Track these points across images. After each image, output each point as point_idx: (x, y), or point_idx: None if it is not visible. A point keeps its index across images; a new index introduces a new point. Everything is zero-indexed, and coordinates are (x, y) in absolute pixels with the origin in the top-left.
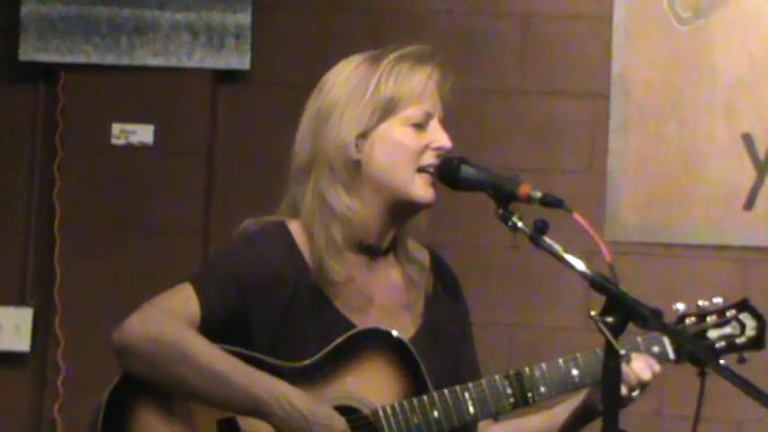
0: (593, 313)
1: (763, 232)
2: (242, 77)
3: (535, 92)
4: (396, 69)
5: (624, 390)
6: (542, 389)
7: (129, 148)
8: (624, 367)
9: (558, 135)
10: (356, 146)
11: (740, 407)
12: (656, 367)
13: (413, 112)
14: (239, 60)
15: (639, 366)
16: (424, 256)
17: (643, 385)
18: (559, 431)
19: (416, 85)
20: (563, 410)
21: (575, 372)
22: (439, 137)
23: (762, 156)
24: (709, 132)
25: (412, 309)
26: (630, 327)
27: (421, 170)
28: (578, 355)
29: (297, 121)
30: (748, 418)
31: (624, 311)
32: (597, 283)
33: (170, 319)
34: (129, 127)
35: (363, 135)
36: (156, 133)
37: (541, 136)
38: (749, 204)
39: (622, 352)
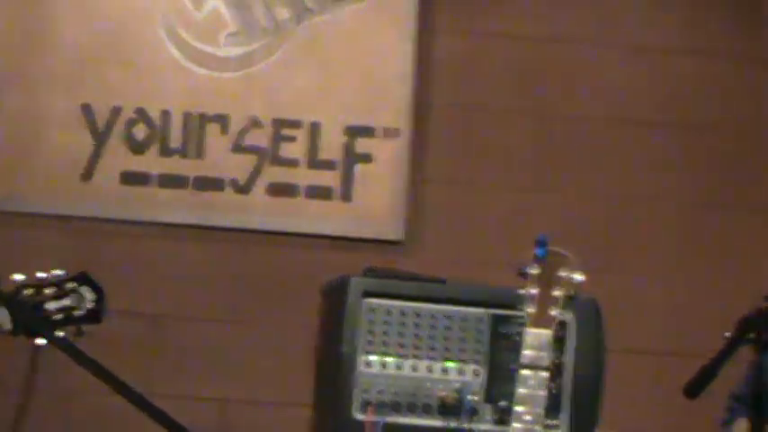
0: None
1: (99, 203)
2: None
3: None
4: None
5: None
6: None
7: None
8: None
9: None
10: None
11: (70, 377)
12: None
13: None
14: None
15: None
16: None
17: None
18: None
19: None
20: None
21: None
22: None
23: (100, 126)
24: (50, 102)
25: None
26: None
27: None
28: None
29: None
30: (78, 388)
31: None
32: None
33: None
34: None
35: None
36: None
37: None
38: (88, 175)
39: None
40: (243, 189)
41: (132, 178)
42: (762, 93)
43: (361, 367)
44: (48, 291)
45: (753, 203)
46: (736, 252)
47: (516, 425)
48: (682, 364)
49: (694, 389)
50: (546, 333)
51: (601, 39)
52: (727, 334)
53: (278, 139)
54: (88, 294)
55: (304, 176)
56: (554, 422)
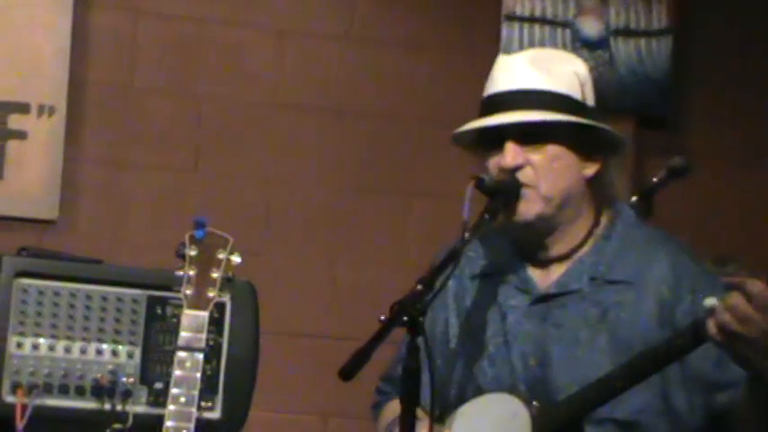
0: None
1: None
2: None
3: None
4: None
5: None
6: None
7: None
8: None
9: None
10: None
11: None
12: None
13: None
14: None
15: None
16: None
17: None
18: None
19: None
20: None
21: None
22: None
23: None
24: None
25: None
26: None
27: None
28: None
29: None
30: None
31: None
32: None
33: None
34: None
35: None
36: None
37: None
38: None
39: None
40: None
41: None
42: (412, 78)
43: (12, 349)
44: None
45: (407, 188)
46: (393, 236)
47: (171, 407)
48: (340, 347)
49: (349, 371)
50: (203, 315)
51: (254, 21)
52: (383, 317)
53: None
54: None
55: None
56: (208, 404)
